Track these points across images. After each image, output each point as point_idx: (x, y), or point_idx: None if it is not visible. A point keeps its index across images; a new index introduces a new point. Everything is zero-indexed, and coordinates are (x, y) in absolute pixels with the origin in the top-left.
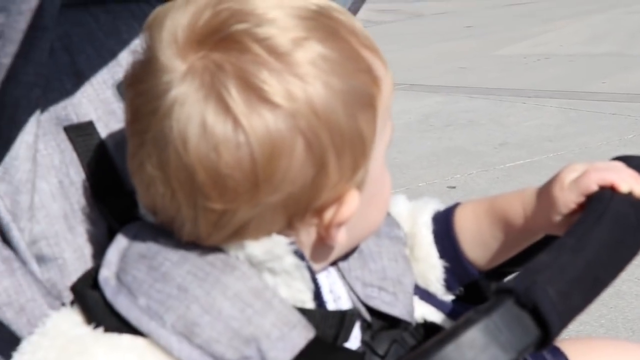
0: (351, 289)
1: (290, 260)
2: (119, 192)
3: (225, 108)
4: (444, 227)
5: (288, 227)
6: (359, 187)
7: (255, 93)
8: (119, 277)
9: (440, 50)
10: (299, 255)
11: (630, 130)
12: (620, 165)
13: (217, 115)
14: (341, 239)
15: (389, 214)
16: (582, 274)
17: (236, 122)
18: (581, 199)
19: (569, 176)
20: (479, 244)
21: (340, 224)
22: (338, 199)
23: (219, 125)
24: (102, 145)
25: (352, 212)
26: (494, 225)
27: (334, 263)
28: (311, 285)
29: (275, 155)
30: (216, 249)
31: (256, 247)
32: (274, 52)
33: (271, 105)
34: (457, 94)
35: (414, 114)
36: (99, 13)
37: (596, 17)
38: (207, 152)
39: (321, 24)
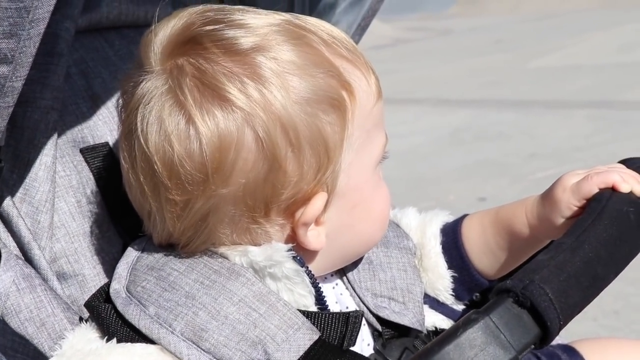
0: (361, 300)
1: (290, 265)
2: (132, 211)
3: (180, 105)
4: (451, 238)
5: (254, 223)
6: (330, 191)
7: (209, 92)
8: (128, 289)
9: (470, 65)
10: (299, 260)
11: None
12: (621, 166)
13: (172, 111)
14: (316, 243)
15: (398, 226)
16: (580, 271)
17: (188, 118)
18: (583, 202)
19: (572, 179)
20: (486, 253)
21: (305, 224)
22: (307, 200)
23: (173, 120)
24: (117, 165)
25: (314, 213)
26: (499, 234)
27: (343, 275)
28: (312, 290)
29: (223, 149)
30: (221, 257)
31: (258, 254)
32: (233, 53)
33: (223, 104)
34: (486, 107)
35: (444, 128)
36: (114, 38)
37: (625, 27)
38: (162, 144)
39: (290, 31)
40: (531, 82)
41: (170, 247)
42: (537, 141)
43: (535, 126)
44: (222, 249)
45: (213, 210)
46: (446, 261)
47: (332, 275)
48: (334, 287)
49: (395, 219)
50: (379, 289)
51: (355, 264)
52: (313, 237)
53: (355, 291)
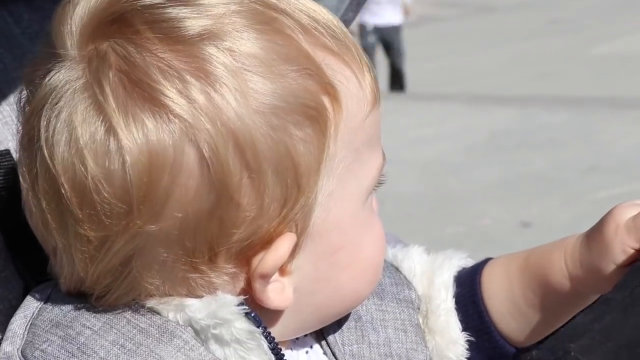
0: None
1: (241, 325)
2: (38, 244)
3: (98, 108)
4: (468, 289)
5: (193, 271)
6: (300, 231)
7: (139, 92)
8: (24, 354)
9: (516, 51)
10: (254, 318)
11: None
12: None
13: (87, 115)
14: (279, 300)
15: (397, 270)
16: (635, 339)
17: (109, 126)
18: None
19: (627, 212)
20: (512, 312)
21: (263, 276)
22: (269, 243)
23: (88, 128)
24: (19, 182)
25: (277, 260)
26: (529, 287)
27: (320, 336)
28: (272, 358)
29: (154, 171)
30: (150, 312)
31: (198, 309)
32: (174, 40)
33: (156, 109)
34: (535, 106)
35: (479, 132)
36: (22, 11)
37: None
38: (72, 160)
39: (255, 13)
40: (594, 75)
41: (83, 297)
42: (599, 150)
43: (598, 131)
44: (151, 302)
45: (138, 252)
46: (460, 320)
47: (305, 336)
48: (307, 352)
49: (394, 260)
50: (369, 355)
51: (338, 321)
52: (275, 293)
53: (336, 358)
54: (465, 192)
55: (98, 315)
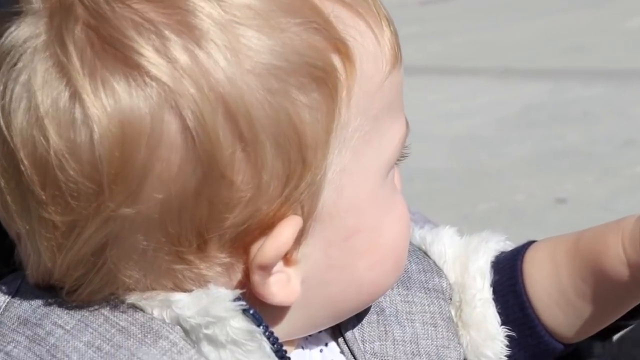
0: None
1: (238, 324)
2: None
3: (62, 70)
4: (508, 277)
5: (179, 262)
6: (307, 213)
7: (110, 51)
8: None
9: (548, 24)
10: (253, 316)
11: None
12: None
13: (48, 79)
14: (284, 295)
15: (426, 255)
16: None
17: (73, 91)
18: None
19: None
20: (559, 303)
21: (263, 267)
22: (269, 228)
23: (49, 93)
24: None
25: (279, 248)
26: (579, 275)
27: (337, 332)
28: None
29: (128, 144)
30: (131, 308)
31: (187, 305)
32: None
33: (129, 71)
34: (569, 79)
35: (511, 106)
36: None
37: None
38: (31, 131)
39: None
40: (629, 47)
41: (54, 290)
42: (635, 124)
43: (633, 105)
44: (132, 297)
45: (112, 240)
46: (499, 313)
47: (319, 332)
48: (321, 351)
49: (422, 243)
50: (393, 354)
51: (357, 315)
52: (278, 286)
53: (355, 357)
54: (497, 167)
55: (72, 312)
